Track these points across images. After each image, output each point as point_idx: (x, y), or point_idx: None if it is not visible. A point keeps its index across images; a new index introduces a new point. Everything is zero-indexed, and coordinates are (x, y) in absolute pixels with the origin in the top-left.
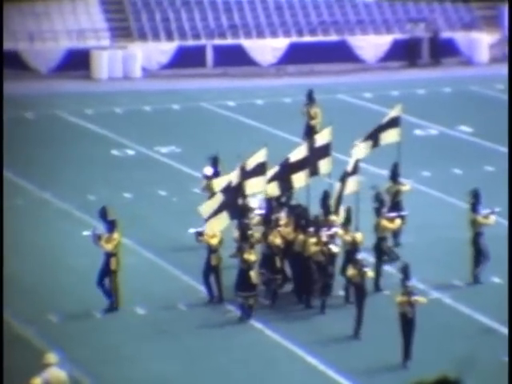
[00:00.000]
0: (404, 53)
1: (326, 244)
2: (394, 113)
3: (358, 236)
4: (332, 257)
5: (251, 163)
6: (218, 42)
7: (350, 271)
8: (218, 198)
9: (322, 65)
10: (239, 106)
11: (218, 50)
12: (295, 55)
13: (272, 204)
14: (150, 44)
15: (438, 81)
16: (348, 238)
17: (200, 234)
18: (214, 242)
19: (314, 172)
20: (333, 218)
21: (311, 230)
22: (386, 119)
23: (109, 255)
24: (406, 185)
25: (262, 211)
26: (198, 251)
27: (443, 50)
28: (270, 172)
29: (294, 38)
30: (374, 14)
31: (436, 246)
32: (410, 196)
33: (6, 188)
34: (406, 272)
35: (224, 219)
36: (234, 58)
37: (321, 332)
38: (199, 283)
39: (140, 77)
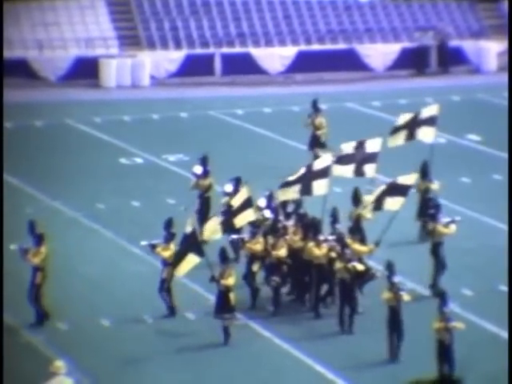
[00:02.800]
0: (412, 61)
1: (349, 261)
2: (430, 111)
3: (364, 248)
4: (357, 274)
5: (236, 202)
6: (227, 50)
7: (386, 294)
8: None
9: (330, 73)
10: (247, 115)
11: (226, 58)
12: (303, 63)
13: (279, 212)
14: (158, 52)
15: (446, 89)
16: (356, 247)
17: (153, 246)
18: (167, 254)
19: (360, 173)
20: (339, 226)
21: (337, 247)
22: (422, 116)
23: (36, 269)
24: (435, 183)
25: (269, 213)
26: (205, 259)
27: (451, 59)
28: (293, 177)
29: (303, 47)
30: (382, 23)
31: (445, 255)
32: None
33: (16, 197)
34: (443, 298)
35: (192, 260)
36: (243, 67)
37: (329, 341)
38: (207, 292)
39: (148, 85)
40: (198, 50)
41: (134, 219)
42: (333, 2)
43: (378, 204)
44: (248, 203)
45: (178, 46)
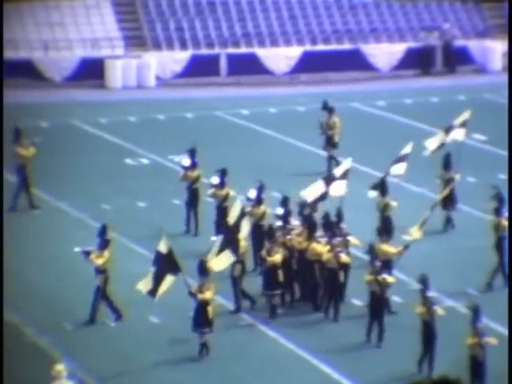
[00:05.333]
0: (417, 61)
1: (378, 273)
2: (463, 117)
3: (392, 249)
4: (387, 286)
5: (231, 219)
6: (232, 50)
7: (419, 309)
8: (151, 273)
9: (335, 73)
10: (253, 115)
11: (231, 58)
12: (309, 64)
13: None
14: (163, 53)
15: (451, 89)
16: (384, 248)
17: (87, 253)
18: (100, 262)
19: (387, 173)
20: (343, 225)
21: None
22: (456, 121)
23: None
24: (458, 173)
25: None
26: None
27: (457, 58)
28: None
29: (308, 47)
30: (387, 23)
31: (450, 254)
32: (423, 204)
33: (21, 197)
34: (476, 312)
35: (169, 280)
36: (248, 67)
37: (335, 340)
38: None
39: (154, 86)
40: (204, 51)
41: (140, 220)
42: (338, 1)
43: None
44: (241, 217)
45: (183, 46)
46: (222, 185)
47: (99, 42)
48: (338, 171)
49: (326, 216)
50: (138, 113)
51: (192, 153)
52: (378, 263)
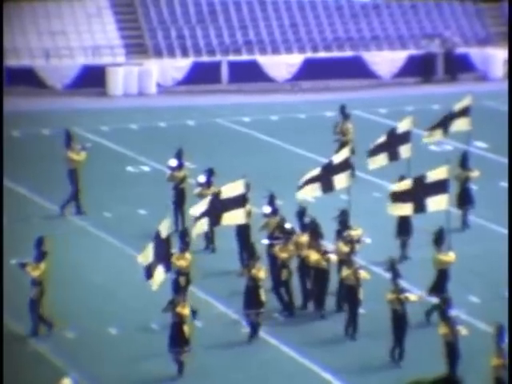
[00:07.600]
0: (419, 68)
1: (402, 292)
2: (464, 103)
3: (449, 257)
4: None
5: (226, 193)
6: (233, 58)
7: (443, 330)
8: (151, 248)
9: (336, 81)
10: (254, 122)
11: (233, 66)
12: (310, 71)
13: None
14: (165, 60)
15: (452, 96)
16: (441, 257)
17: (23, 265)
18: (36, 273)
19: (394, 157)
20: (353, 232)
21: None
22: (456, 108)
23: None
24: (476, 171)
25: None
26: (212, 268)
27: (458, 66)
28: (311, 174)
29: (309, 54)
30: (388, 30)
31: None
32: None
33: (24, 206)
34: (500, 332)
35: (160, 274)
36: (249, 74)
37: (337, 348)
38: (214, 299)
39: (155, 93)
40: (205, 58)
41: (141, 227)
42: (339, 9)
43: (419, 206)
44: (241, 201)
45: (184, 53)
46: (208, 184)
47: (100, 50)
48: (336, 158)
49: (343, 213)
50: (139, 120)
51: (179, 154)
52: (401, 282)
